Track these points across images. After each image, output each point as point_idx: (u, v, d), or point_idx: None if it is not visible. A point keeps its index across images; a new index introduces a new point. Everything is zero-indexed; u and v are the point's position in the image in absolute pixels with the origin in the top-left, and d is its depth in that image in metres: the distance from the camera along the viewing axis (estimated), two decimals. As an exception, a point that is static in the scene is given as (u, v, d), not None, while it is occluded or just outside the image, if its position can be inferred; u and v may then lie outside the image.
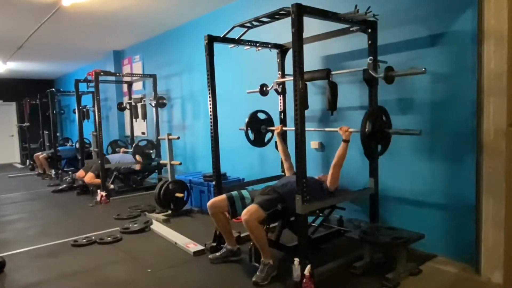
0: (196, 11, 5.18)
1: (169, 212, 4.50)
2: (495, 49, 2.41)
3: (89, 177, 5.67)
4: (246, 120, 3.62)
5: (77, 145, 7.35)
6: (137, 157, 5.73)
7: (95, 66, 7.80)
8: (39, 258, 3.34)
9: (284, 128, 3.62)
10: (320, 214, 3.11)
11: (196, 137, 5.75)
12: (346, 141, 2.83)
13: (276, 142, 3.66)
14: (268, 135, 3.79)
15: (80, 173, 5.94)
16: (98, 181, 5.56)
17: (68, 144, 8.75)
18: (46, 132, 8.94)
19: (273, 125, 3.75)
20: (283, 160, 3.55)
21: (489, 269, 2.55)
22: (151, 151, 5.83)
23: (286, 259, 2.82)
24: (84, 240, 3.66)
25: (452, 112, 2.77)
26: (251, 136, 3.65)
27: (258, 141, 3.73)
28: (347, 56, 3.43)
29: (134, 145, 5.82)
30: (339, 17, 2.66)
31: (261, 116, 3.73)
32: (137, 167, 5.96)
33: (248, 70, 4.54)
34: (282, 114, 3.79)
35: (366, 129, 2.62)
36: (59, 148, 8.10)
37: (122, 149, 6.55)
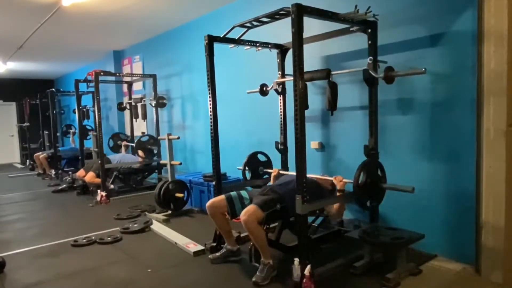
0: (196, 11, 5.18)
1: (169, 212, 4.50)
2: (495, 49, 2.41)
3: (89, 177, 5.67)
4: (245, 160, 3.64)
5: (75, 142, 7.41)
6: (140, 152, 5.72)
7: (95, 66, 7.80)
8: (39, 258, 3.34)
9: (281, 172, 3.58)
10: (320, 214, 3.12)
11: (196, 137, 5.76)
12: (342, 191, 2.89)
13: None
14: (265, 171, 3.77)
15: (81, 172, 5.94)
16: (99, 180, 5.56)
17: (71, 131, 8.74)
18: (46, 132, 8.94)
19: (271, 167, 3.74)
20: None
21: (489, 269, 2.55)
22: (153, 147, 5.82)
23: (286, 259, 2.82)
24: (84, 240, 3.66)
25: (452, 112, 2.77)
26: (248, 175, 3.66)
27: (254, 180, 3.71)
28: (347, 56, 3.43)
29: (136, 140, 5.82)
30: (339, 17, 2.66)
31: (261, 158, 3.74)
32: (140, 161, 5.94)
33: (248, 70, 4.54)
34: (282, 115, 3.79)
35: (359, 181, 2.66)
36: (59, 148, 8.11)
37: (124, 142, 6.55)
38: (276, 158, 3.82)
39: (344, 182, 2.90)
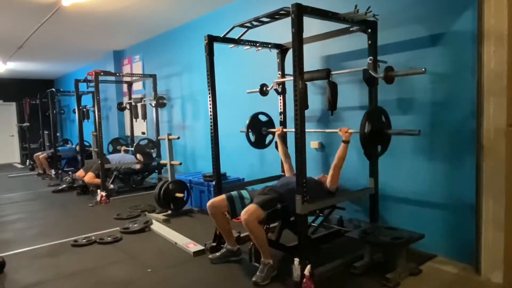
0: (196, 11, 5.18)
1: (169, 212, 4.50)
2: (495, 49, 2.41)
3: (89, 177, 5.67)
4: (247, 122, 3.62)
5: (77, 147, 7.37)
6: (138, 156, 5.73)
7: (95, 66, 7.80)
8: (39, 258, 3.34)
9: (284, 130, 3.62)
10: (320, 214, 3.12)
11: (196, 137, 5.76)
12: (346, 142, 2.84)
13: (276, 142, 3.67)
14: (269, 136, 3.79)
15: (80, 172, 5.94)
16: (98, 181, 5.56)
17: (67, 146, 8.75)
18: (46, 132, 8.94)
19: (274, 127, 3.75)
20: (283, 161, 3.55)
21: (489, 269, 2.55)
22: (152, 150, 5.83)
23: (286, 259, 2.82)
24: (84, 240, 3.66)
25: (452, 112, 2.77)
26: (252, 138, 3.65)
27: (259, 143, 3.73)
28: (347, 56, 3.43)
29: (135, 144, 5.82)
30: (339, 17, 2.66)
31: (262, 118, 3.73)
32: (138, 166, 5.96)
33: (248, 70, 4.54)
34: (282, 115, 3.79)
35: (366, 130, 2.62)
36: (59, 148, 8.11)
37: (123, 147, 6.55)
38: (276, 158, 3.81)
39: (350, 132, 2.84)
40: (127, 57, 7.54)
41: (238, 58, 4.47)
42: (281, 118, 3.79)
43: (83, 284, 2.78)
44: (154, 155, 5.84)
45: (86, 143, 7.71)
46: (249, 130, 3.62)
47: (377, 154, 2.85)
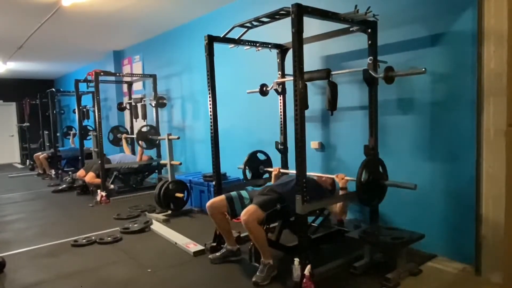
0: (196, 11, 5.18)
1: (169, 212, 4.50)
2: (495, 49, 2.41)
3: (89, 177, 5.67)
4: (245, 159, 3.64)
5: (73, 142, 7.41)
6: (140, 142, 5.70)
7: (95, 66, 7.80)
8: (39, 258, 3.34)
9: (281, 171, 3.58)
10: (320, 214, 3.11)
11: (196, 137, 5.76)
12: (344, 189, 2.90)
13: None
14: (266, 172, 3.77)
15: (81, 172, 5.95)
16: (99, 181, 5.56)
17: (71, 133, 8.75)
18: (46, 132, 8.94)
19: (271, 166, 3.74)
20: None
21: (489, 269, 2.55)
22: (155, 137, 5.81)
23: (286, 259, 2.81)
24: (84, 240, 3.66)
25: (452, 112, 2.76)
26: (249, 175, 3.66)
27: (255, 180, 3.71)
28: (347, 56, 3.43)
29: (137, 131, 5.78)
30: (339, 17, 2.66)
31: (261, 156, 3.74)
32: (139, 157, 5.94)
33: (248, 70, 4.54)
34: (282, 115, 3.79)
35: (362, 179, 2.67)
36: (59, 148, 8.11)
37: (124, 135, 6.55)
38: (276, 158, 3.82)
39: (346, 179, 2.91)
40: (127, 57, 7.54)
41: (238, 58, 4.47)
42: (281, 118, 3.79)
43: (83, 284, 2.78)
44: (156, 141, 5.81)
45: (90, 127, 7.84)
46: (246, 167, 3.64)
47: (373, 203, 2.88)
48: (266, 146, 3.90)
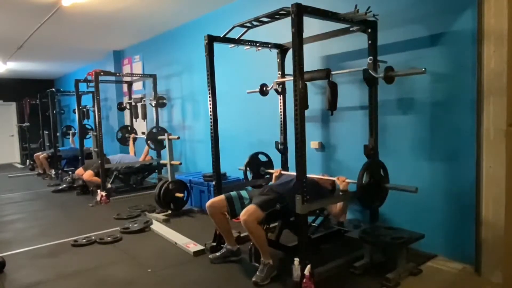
0: (196, 11, 5.18)
1: (169, 212, 4.50)
2: (495, 49, 2.41)
3: (88, 175, 5.66)
4: (246, 160, 3.64)
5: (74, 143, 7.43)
6: (149, 142, 5.70)
7: (95, 66, 7.80)
8: (39, 258, 3.34)
9: (282, 172, 3.56)
10: (320, 214, 3.11)
11: (196, 137, 5.76)
12: (345, 191, 2.89)
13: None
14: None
15: (80, 170, 5.94)
16: (97, 179, 5.56)
17: (70, 132, 8.76)
18: (46, 132, 8.94)
19: (272, 168, 3.75)
20: None
21: (489, 269, 2.55)
22: (162, 137, 5.80)
23: (286, 259, 2.81)
24: (84, 240, 3.66)
25: (452, 112, 2.76)
26: (250, 176, 3.66)
27: (255, 180, 3.71)
28: (347, 56, 3.43)
29: (148, 132, 5.79)
30: (339, 17, 2.66)
31: (262, 158, 3.75)
32: (143, 158, 5.92)
33: (248, 70, 4.54)
34: (282, 115, 3.79)
35: (363, 182, 2.67)
36: (59, 148, 8.11)
37: (132, 135, 6.57)
38: (276, 158, 3.82)
39: (347, 182, 2.90)
40: (127, 57, 7.54)
41: (238, 58, 4.47)
42: (281, 118, 3.79)
43: (83, 284, 2.78)
44: (165, 144, 5.82)
45: (88, 126, 7.85)
46: (247, 169, 3.64)
47: (374, 206, 2.87)
48: (266, 146, 3.90)
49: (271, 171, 3.69)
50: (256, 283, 2.60)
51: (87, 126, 8.00)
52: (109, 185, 5.69)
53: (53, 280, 2.87)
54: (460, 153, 2.74)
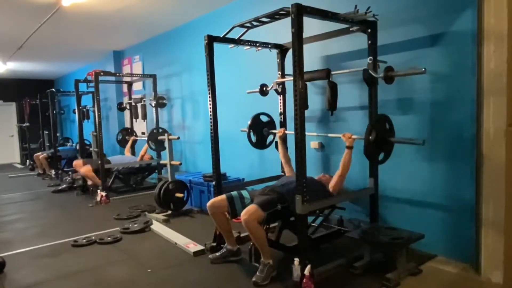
0: (196, 11, 5.18)
1: (169, 212, 4.50)
2: (495, 49, 2.41)
3: (86, 169, 5.65)
4: (249, 122, 3.62)
5: (77, 146, 7.40)
6: (149, 142, 5.70)
7: (95, 66, 7.80)
8: (39, 258, 3.34)
9: (286, 132, 3.61)
10: (320, 214, 3.12)
11: (196, 137, 5.76)
12: (350, 148, 2.86)
13: (276, 143, 3.67)
14: (270, 137, 3.78)
15: (78, 162, 5.92)
16: (94, 175, 5.55)
17: (68, 144, 8.75)
18: (46, 132, 8.94)
19: (275, 128, 3.75)
20: (283, 163, 3.56)
21: (489, 269, 2.55)
22: (162, 137, 5.80)
23: (286, 259, 2.82)
24: (84, 240, 3.66)
25: (452, 112, 2.76)
26: (253, 138, 3.65)
27: (260, 144, 3.73)
28: (347, 56, 3.43)
29: (149, 132, 5.80)
30: (339, 17, 2.66)
31: (264, 118, 3.73)
32: (140, 158, 5.93)
33: (248, 70, 4.54)
34: (282, 115, 3.79)
35: (371, 137, 2.62)
36: (59, 148, 8.11)
37: (133, 137, 6.57)
38: (276, 157, 3.82)
39: (353, 138, 2.88)
40: (127, 57, 7.54)
41: (238, 58, 4.47)
42: (281, 118, 3.79)
43: (83, 284, 2.78)
44: (165, 145, 5.83)
45: (87, 142, 7.72)
46: (251, 130, 3.62)
47: (379, 161, 2.85)
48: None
49: (274, 131, 3.70)
50: (256, 283, 2.60)
51: (85, 141, 7.65)
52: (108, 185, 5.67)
53: (53, 280, 2.87)
54: (460, 152, 2.74)
